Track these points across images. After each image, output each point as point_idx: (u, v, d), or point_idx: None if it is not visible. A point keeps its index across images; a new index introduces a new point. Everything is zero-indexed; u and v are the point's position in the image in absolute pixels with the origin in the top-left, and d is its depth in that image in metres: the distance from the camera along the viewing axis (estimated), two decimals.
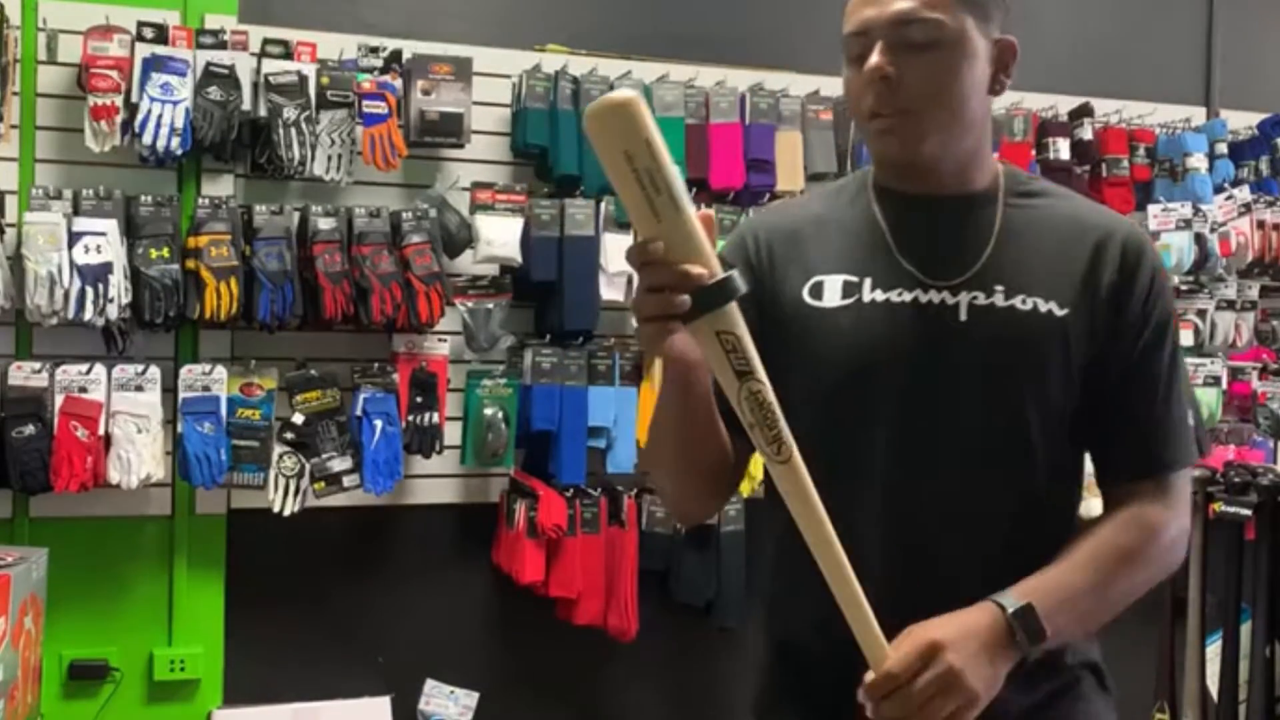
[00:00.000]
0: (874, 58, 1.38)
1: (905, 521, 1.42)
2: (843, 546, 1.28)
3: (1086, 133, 3.83)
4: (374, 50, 3.18)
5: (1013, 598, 1.33)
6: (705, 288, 1.19)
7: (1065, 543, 1.42)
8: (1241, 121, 4.14)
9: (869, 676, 1.29)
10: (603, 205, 3.28)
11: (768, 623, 1.62)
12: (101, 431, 2.91)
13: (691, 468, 1.48)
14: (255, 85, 3.05)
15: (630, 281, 3.33)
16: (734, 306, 1.21)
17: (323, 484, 3.08)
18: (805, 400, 1.42)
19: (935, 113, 1.40)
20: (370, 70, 3.15)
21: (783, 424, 1.25)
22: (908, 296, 1.43)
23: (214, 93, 2.99)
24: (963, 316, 1.42)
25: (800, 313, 1.47)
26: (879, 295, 1.44)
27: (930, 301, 1.43)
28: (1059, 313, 1.41)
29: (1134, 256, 1.43)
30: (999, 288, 1.42)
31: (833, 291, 1.46)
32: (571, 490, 3.29)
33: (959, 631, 1.30)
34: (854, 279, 1.46)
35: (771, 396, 1.24)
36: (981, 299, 1.42)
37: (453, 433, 3.26)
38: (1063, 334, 1.41)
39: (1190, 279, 3.86)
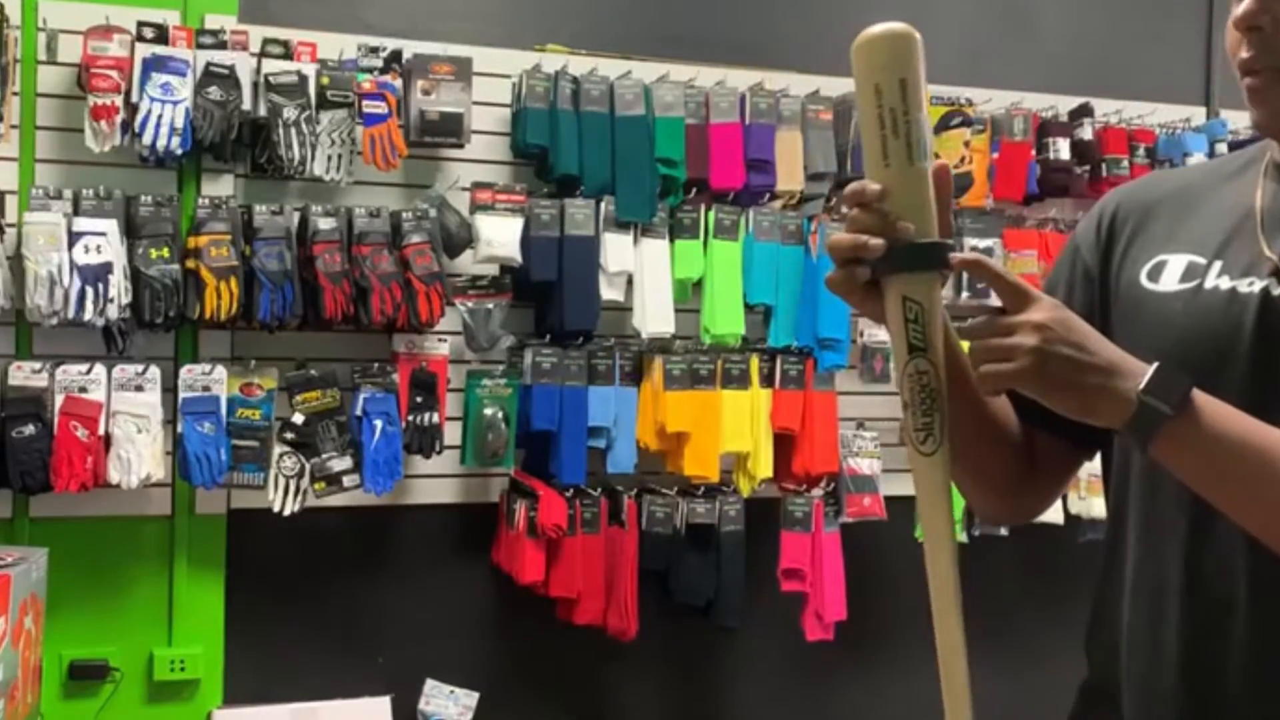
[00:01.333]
0: (1245, 4, 1.18)
1: (1210, 576, 1.20)
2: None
3: (1086, 133, 3.83)
4: (374, 50, 3.18)
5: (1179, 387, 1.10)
6: (905, 246, 1.12)
7: None
8: (1241, 121, 4.13)
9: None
10: (603, 205, 3.28)
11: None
12: (101, 431, 2.91)
13: (962, 449, 1.25)
14: (255, 85, 3.05)
15: (630, 282, 3.33)
16: (932, 277, 1.14)
17: (323, 484, 3.07)
18: None
19: None
20: (370, 70, 3.15)
21: (940, 416, 1.14)
22: (1258, 286, 1.20)
23: (214, 93, 2.98)
24: None
25: (1132, 294, 1.29)
26: (1224, 282, 1.22)
27: None
28: None
29: None
30: None
31: (1173, 273, 1.26)
32: (571, 490, 3.29)
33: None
34: (1201, 261, 1.25)
35: (939, 383, 1.14)
36: None
37: (453, 433, 3.26)
38: None
39: None
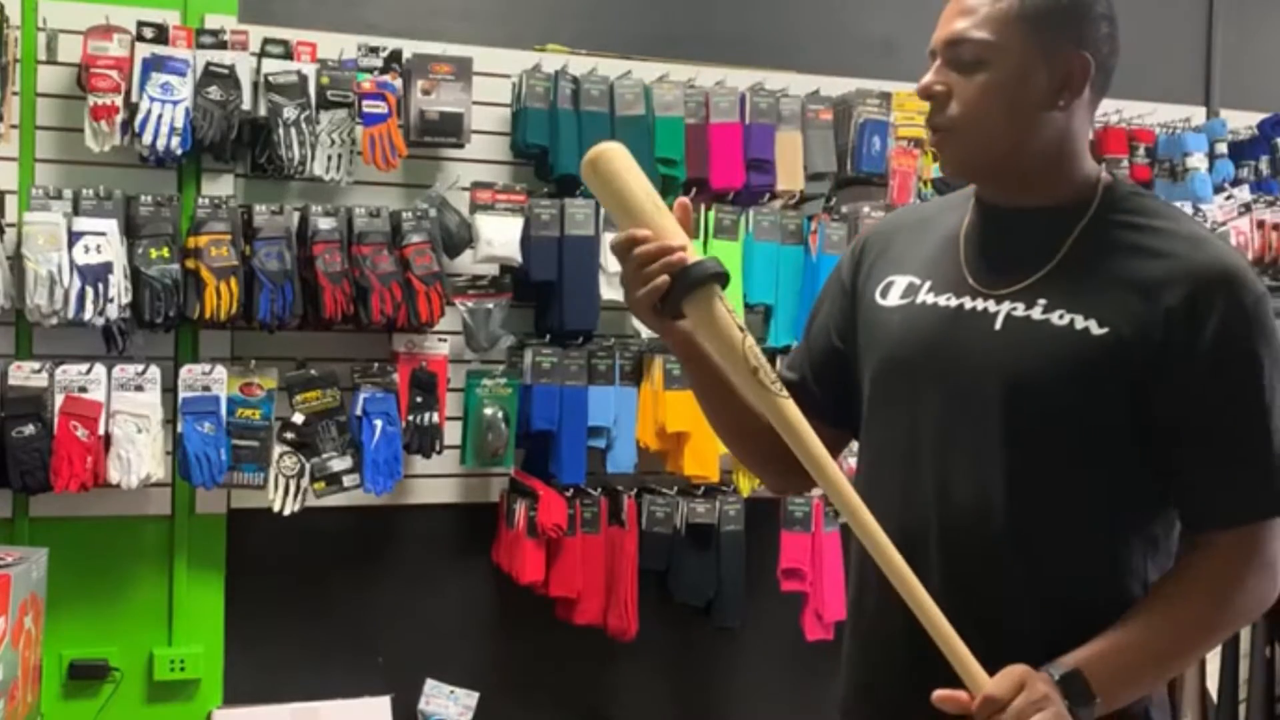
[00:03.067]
0: (929, 75, 1.45)
1: (921, 523, 1.47)
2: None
3: None
4: (374, 50, 3.18)
5: (1061, 665, 1.36)
6: (694, 265, 1.37)
7: (1113, 574, 1.43)
8: (1241, 121, 4.14)
9: (946, 693, 1.35)
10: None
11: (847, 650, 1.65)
12: (101, 431, 2.91)
13: (737, 436, 1.62)
14: (255, 85, 3.05)
15: None
16: (718, 281, 1.39)
17: (323, 484, 3.07)
18: (865, 388, 1.56)
19: (976, 131, 1.44)
20: (370, 70, 3.15)
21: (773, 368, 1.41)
22: (955, 302, 1.49)
23: (214, 93, 2.98)
24: (997, 326, 1.44)
25: (869, 308, 1.57)
26: (930, 298, 1.51)
27: (974, 309, 1.47)
28: (1096, 331, 1.39)
29: (1211, 286, 1.37)
30: (1042, 301, 1.43)
31: (896, 291, 1.55)
32: (571, 490, 3.29)
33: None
34: (917, 281, 1.53)
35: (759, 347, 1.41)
36: (1020, 310, 1.44)
37: (453, 433, 3.26)
38: (1098, 353, 1.39)
39: None
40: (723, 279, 1.40)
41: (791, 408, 1.40)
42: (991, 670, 1.34)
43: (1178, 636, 1.41)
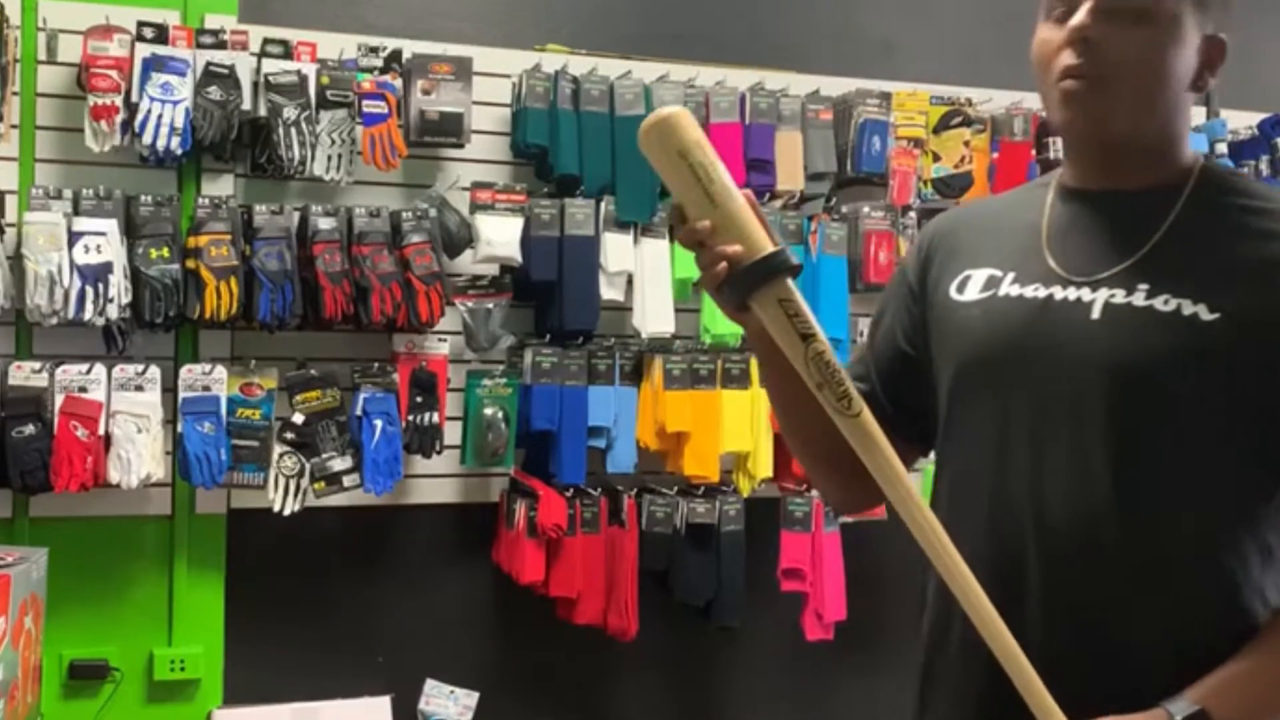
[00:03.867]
0: (1080, 16, 1.33)
1: (1015, 538, 1.36)
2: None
3: None
4: (374, 50, 3.18)
5: (1185, 702, 1.25)
6: (757, 261, 1.29)
7: (1230, 586, 1.31)
8: (1241, 121, 4.14)
9: None
10: (603, 205, 3.28)
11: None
12: (101, 431, 2.91)
13: (802, 441, 1.53)
14: (255, 85, 3.05)
15: (630, 282, 3.33)
16: (784, 280, 1.30)
17: (323, 484, 3.07)
18: (943, 391, 1.46)
19: (1129, 89, 1.33)
20: (370, 70, 3.15)
21: (848, 382, 1.30)
22: (1043, 292, 1.38)
23: (214, 92, 2.98)
24: (1095, 314, 1.34)
25: (945, 306, 1.48)
26: (1014, 290, 1.41)
27: (1065, 299, 1.37)
28: (1206, 316, 1.29)
29: None
30: (1143, 286, 1.33)
31: (974, 286, 1.45)
32: (571, 490, 3.29)
33: None
34: (998, 273, 1.44)
35: (833, 356, 1.30)
36: (1120, 297, 1.33)
37: (453, 433, 3.26)
38: (1209, 339, 1.29)
39: None
40: (784, 274, 1.29)
41: (860, 424, 1.30)
42: (1104, 703, 1.25)
43: None
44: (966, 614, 1.29)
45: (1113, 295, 1.34)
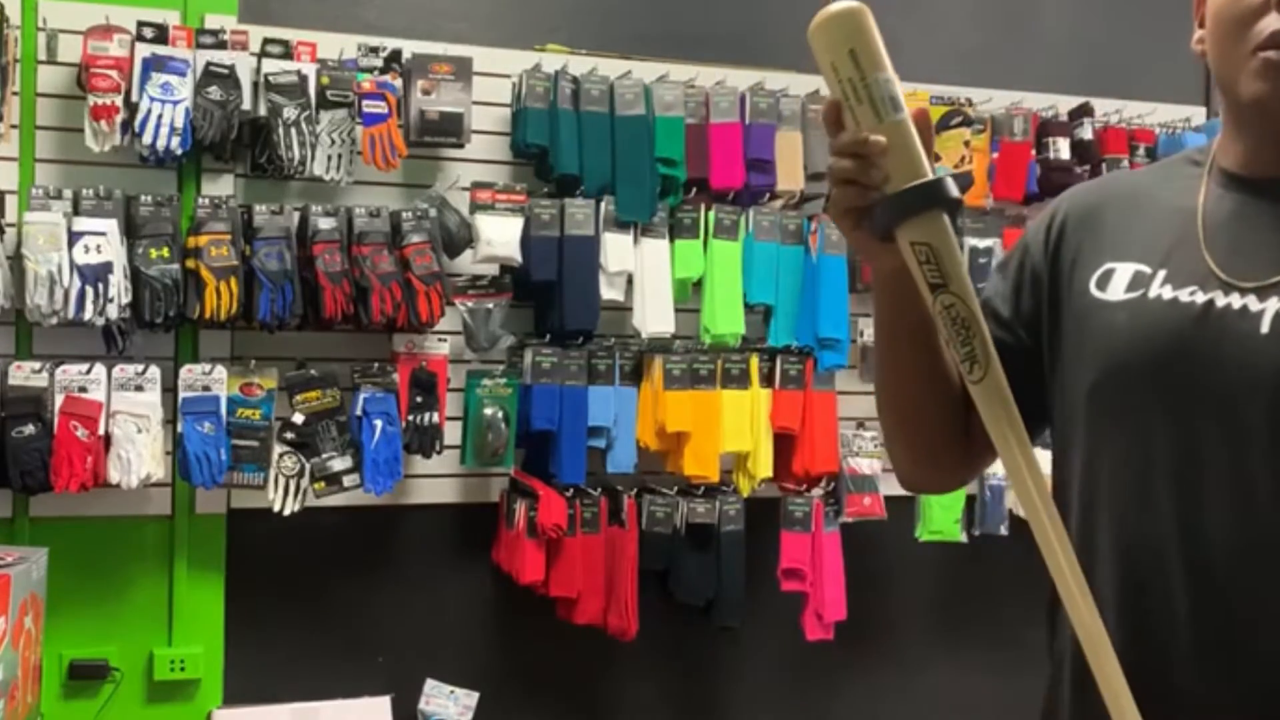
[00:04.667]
0: None
1: (1159, 571, 1.21)
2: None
3: (1086, 132, 3.83)
4: (374, 50, 3.18)
5: None
6: (897, 194, 1.15)
7: None
8: None
9: None
10: (603, 205, 3.28)
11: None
12: (101, 431, 2.91)
13: (907, 413, 1.35)
14: (255, 85, 3.05)
15: (630, 282, 3.33)
16: (933, 215, 1.16)
17: (323, 484, 3.07)
18: (1074, 399, 1.29)
19: None
20: (370, 70, 3.15)
21: (979, 341, 1.17)
22: (1202, 297, 1.21)
23: (214, 92, 2.98)
24: (1265, 328, 1.17)
25: (1082, 301, 1.30)
26: (1167, 291, 1.23)
27: (1229, 306, 1.19)
28: None
29: None
30: None
31: (1120, 282, 1.27)
32: (571, 490, 3.29)
33: None
34: (1147, 270, 1.26)
35: (969, 312, 1.16)
36: None
37: (453, 433, 3.26)
38: None
39: None
40: (943, 206, 1.15)
41: (982, 389, 1.17)
42: None
43: None
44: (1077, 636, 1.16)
45: None
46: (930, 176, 1.16)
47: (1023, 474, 1.16)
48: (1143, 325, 1.23)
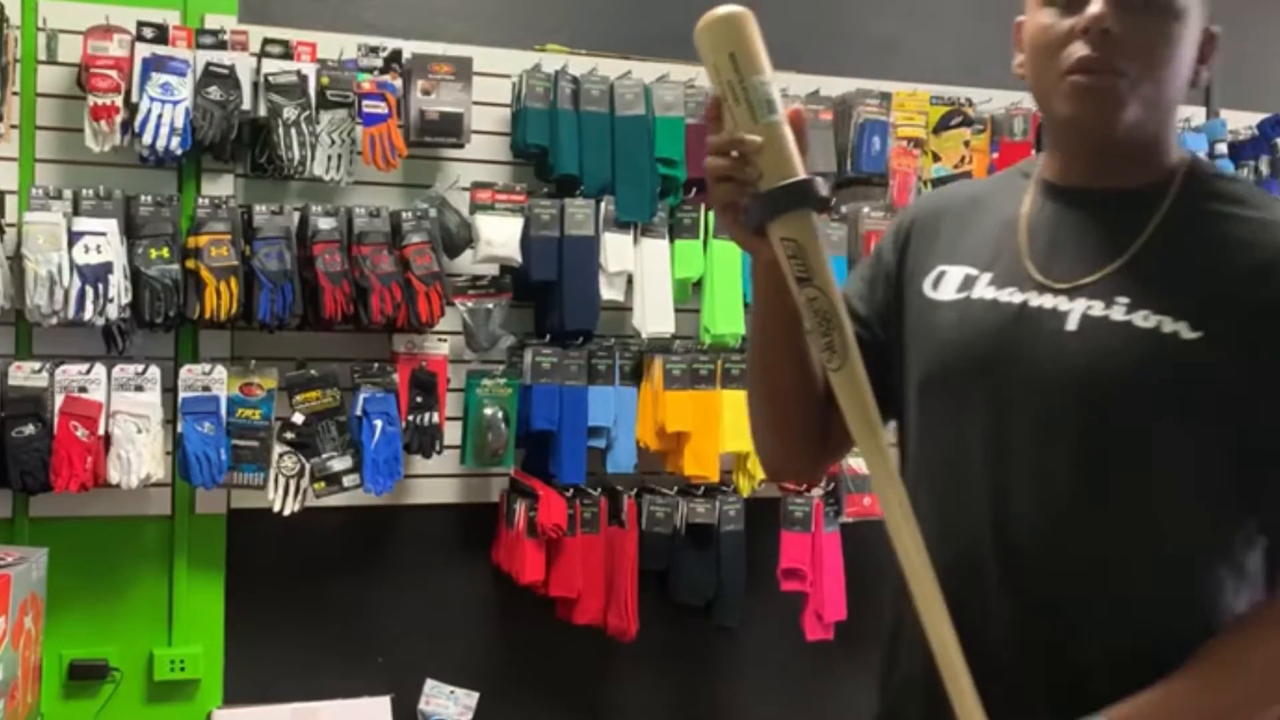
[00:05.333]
0: (1096, 5, 1.24)
1: (975, 553, 1.30)
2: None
3: None
4: (374, 50, 3.18)
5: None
6: (770, 191, 1.22)
7: (1199, 610, 1.26)
8: (1241, 121, 4.14)
9: None
10: (603, 205, 3.28)
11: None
12: (101, 431, 2.91)
13: (770, 396, 1.43)
14: (255, 85, 3.05)
15: (630, 282, 3.33)
16: (803, 214, 1.23)
17: (323, 484, 3.07)
18: (910, 391, 1.39)
19: (1146, 82, 1.26)
20: (370, 70, 3.15)
21: (838, 334, 1.24)
22: (1018, 298, 1.31)
23: (214, 93, 2.98)
24: (1071, 326, 1.27)
25: (919, 300, 1.40)
26: (990, 293, 1.33)
27: (1041, 306, 1.29)
28: (1187, 335, 1.21)
29: None
30: (1123, 299, 1.25)
31: (950, 284, 1.38)
32: (571, 490, 3.29)
33: None
34: (975, 272, 1.36)
35: (830, 305, 1.24)
36: (1098, 309, 1.26)
37: (453, 433, 3.26)
38: (1189, 360, 1.21)
39: None
40: (812, 205, 1.22)
41: (841, 377, 1.25)
42: (1058, 713, 1.22)
43: (1249, 691, 1.23)
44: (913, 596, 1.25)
45: (1090, 307, 1.27)
46: (800, 177, 1.23)
47: (875, 460, 1.25)
48: (967, 324, 1.34)
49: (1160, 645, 1.25)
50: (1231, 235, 1.26)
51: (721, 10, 1.25)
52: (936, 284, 1.39)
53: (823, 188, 1.24)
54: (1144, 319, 1.24)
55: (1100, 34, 1.24)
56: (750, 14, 1.25)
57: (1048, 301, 1.29)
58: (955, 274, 1.38)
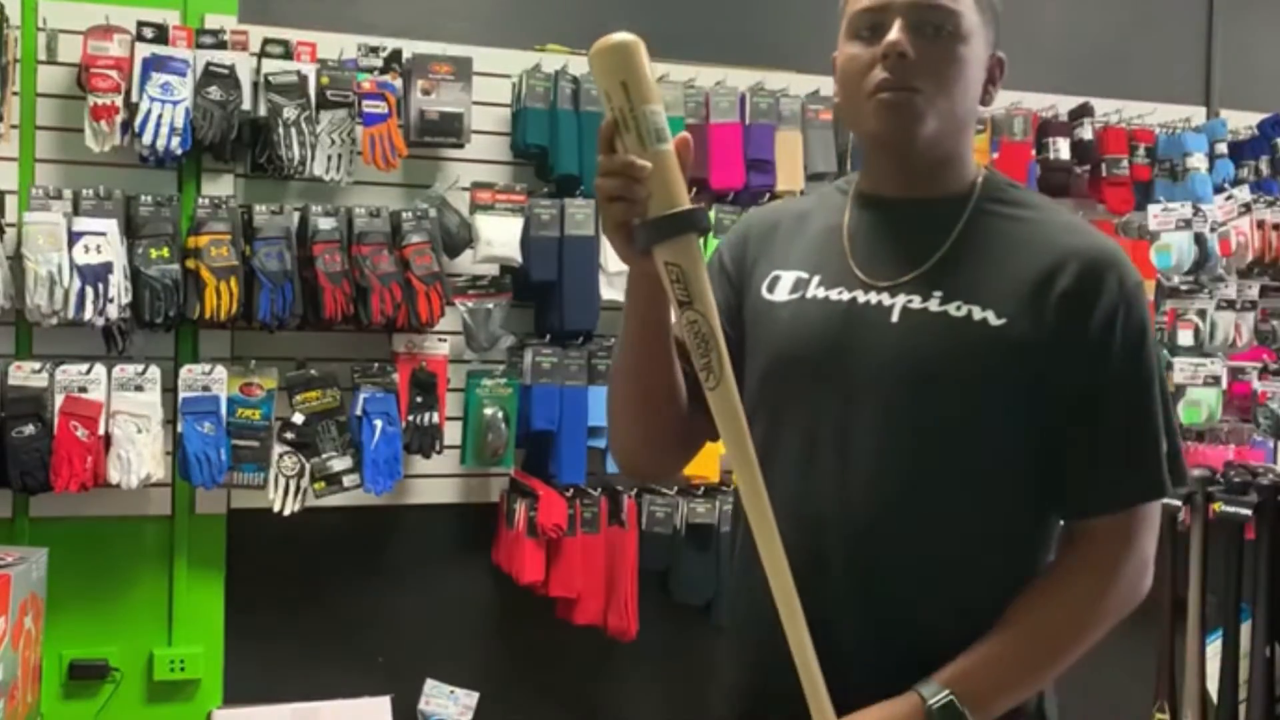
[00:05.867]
0: (893, 34, 1.40)
1: (818, 527, 1.42)
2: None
3: (1086, 133, 3.83)
4: (374, 50, 3.18)
5: (936, 685, 1.35)
6: (656, 219, 1.29)
7: (1020, 572, 1.41)
8: (1241, 121, 4.14)
9: None
10: None
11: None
12: (101, 431, 2.91)
13: (637, 398, 1.52)
14: (255, 85, 3.06)
15: None
16: (687, 240, 1.30)
17: (323, 484, 3.08)
18: (753, 383, 1.50)
19: (940, 98, 1.41)
20: (370, 70, 3.15)
21: (715, 355, 1.32)
22: (846, 295, 1.46)
23: (214, 93, 2.99)
24: (894, 319, 1.42)
25: (756, 304, 1.53)
26: (821, 292, 1.48)
27: (867, 302, 1.44)
28: (995, 321, 1.38)
29: (1098, 269, 1.40)
30: (938, 293, 1.41)
31: (784, 287, 1.51)
32: (571, 490, 3.29)
33: None
34: (805, 275, 1.50)
35: (709, 328, 1.32)
36: (917, 302, 1.42)
37: (453, 433, 3.27)
38: (998, 344, 1.38)
39: (1190, 279, 3.85)
40: (698, 231, 1.30)
41: (717, 395, 1.33)
42: (902, 676, 1.35)
43: (1053, 644, 1.40)
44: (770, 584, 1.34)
45: (910, 300, 1.42)
46: (685, 206, 1.29)
47: (743, 467, 1.34)
48: (802, 320, 1.47)
49: (993, 615, 1.39)
50: (1019, 238, 1.44)
51: (614, 38, 1.31)
52: (772, 287, 1.52)
53: (704, 219, 1.31)
54: (957, 309, 1.40)
55: (898, 58, 1.39)
56: (641, 43, 1.30)
57: (873, 298, 1.44)
58: (788, 278, 1.51)
